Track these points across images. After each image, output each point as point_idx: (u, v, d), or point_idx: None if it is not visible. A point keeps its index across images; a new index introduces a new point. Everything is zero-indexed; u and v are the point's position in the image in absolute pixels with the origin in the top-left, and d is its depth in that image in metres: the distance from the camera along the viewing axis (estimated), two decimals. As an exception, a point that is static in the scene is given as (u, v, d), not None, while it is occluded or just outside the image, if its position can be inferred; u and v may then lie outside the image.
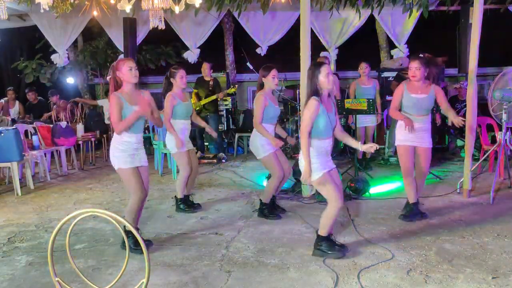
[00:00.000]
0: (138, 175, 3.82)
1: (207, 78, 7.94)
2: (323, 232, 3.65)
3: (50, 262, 2.17)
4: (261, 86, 4.59)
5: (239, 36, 9.71)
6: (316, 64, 3.59)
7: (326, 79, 3.49)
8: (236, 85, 8.36)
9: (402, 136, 4.41)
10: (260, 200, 4.76)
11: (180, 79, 4.86)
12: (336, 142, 7.41)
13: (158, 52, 10.04)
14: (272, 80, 4.51)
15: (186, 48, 9.29)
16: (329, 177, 3.55)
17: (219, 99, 8.03)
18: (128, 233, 3.55)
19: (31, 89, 9.19)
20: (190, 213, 4.96)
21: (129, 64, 3.71)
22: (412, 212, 4.49)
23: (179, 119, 4.91)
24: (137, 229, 3.93)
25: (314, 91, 3.51)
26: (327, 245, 3.65)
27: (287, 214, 4.82)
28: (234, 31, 9.72)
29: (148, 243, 3.97)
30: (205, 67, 7.91)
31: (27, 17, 9.03)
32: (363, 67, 6.86)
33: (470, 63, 5.08)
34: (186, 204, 5.07)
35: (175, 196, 5.08)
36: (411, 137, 4.35)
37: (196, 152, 7.61)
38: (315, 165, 3.52)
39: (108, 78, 3.82)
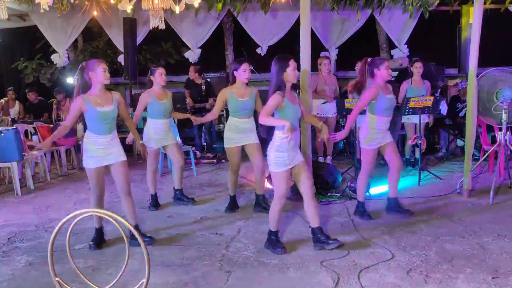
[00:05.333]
0: (101, 175, 3.90)
1: (198, 81, 7.94)
2: (271, 227, 3.83)
3: (50, 262, 2.17)
4: (233, 80, 4.62)
5: (239, 36, 9.70)
6: (283, 58, 3.64)
7: (293, 72, 3.60)
8: None
9: (376, 140, 4.49)
10: (256, 194, 4.89)
11: (159, 76, 4.91)
12: (336, 142, 7.41)
13: (158, 51, 10.03)
14: (242, 74, 4.54)
15: (186, 45, 9.30)
16: (285, 175, 3.65)
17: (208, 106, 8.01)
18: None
19: (31, 89, 9.18)
20: (190, 213, 4.98)
21: (103, 66, 3.78)
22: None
23: (153, 118, 4.96)
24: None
25: (280, 85, 3.58)
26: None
27: (287, 214, 4.82)
28: (234, 31, 9.71)
29: (151, 239, 4.08)
30: (191, 71, 7.89)
31: (27, 17, 9.03)
32: (363, 67, 6.84)
33: (470, 63, 5.08)
34: (155, 202, 5.23)
35: (173, 187, 5.31)
36: (381, 138, 4.48)
37: (195, 152, 7.66)
38: (280, 159, 3.60)
39: (76, 79, 3.88)
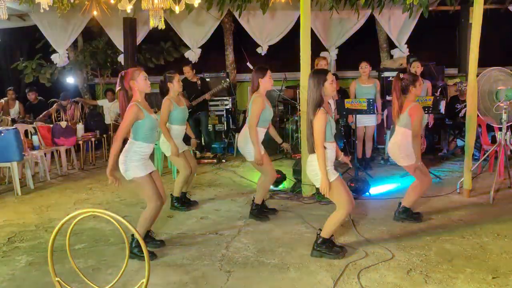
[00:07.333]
0: (154, 181, 3.78)
1: (193, 80, 7.93)
2: (325, 234, 3.66)
3: (50, 262, 2.17)
4: (257, 87, 4.49)
5: (239, 36, 9.72)
6: (321, 72, 3.55)
7: (331, 86, 3.50)
8: (228, 79, 8.24)
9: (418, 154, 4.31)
10: (253, 201, 4.76)
11: (177, 83, 4.93)
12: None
13: (157, 50, 10.03)
14: (268, 81, 4.44)
15: (185, 44, 9.30)
16: (341, 181, 3.56)
17: (208, 98, 7.94)
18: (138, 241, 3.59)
19: (31, 89, 9.19)
20: (190, 213, 5.00)
21: (144, 74, 3.71)
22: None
23: (175, 124, 4.95)
24: (149, 231, 3.98)
25: (320, 100, 3.47)
26: (327, 247, 3.66)
27: (287, 214, 4.83)
28: (234, 31, 9.72)
29: (161, 243, 4.02)
30: (187, 70, 7.87)
31: (27, 17, 9.03)
32: (364, 67, 6.84)
33: (470, 63, 5.08)
34: (181, 202, 5.14)
35: (171, 194, 5.14)
36: None
37: (195, 152, 7.65)
38: (330, 170, 3.51)
39: (118, 89, 3.76)
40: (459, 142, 7.75)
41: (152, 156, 3.97)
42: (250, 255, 3.76)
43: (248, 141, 4.46)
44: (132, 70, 3.74)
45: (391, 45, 9.23)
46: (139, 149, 3.69)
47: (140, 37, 9.00)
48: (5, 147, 5.89)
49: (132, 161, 3.66)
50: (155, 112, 7.35)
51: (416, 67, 6.54)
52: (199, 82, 7.90)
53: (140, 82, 3.69)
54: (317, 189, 5.25)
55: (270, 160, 4.73)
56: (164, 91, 4.98)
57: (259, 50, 9.06)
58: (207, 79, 8.55)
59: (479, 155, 6.77)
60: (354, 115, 6.24)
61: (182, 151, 5.01)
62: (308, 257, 3.66)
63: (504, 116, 5.12)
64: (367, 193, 5.44)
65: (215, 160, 7.73)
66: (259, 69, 4.48)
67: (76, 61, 9.91)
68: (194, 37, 9.12)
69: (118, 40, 8.98)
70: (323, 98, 3.49)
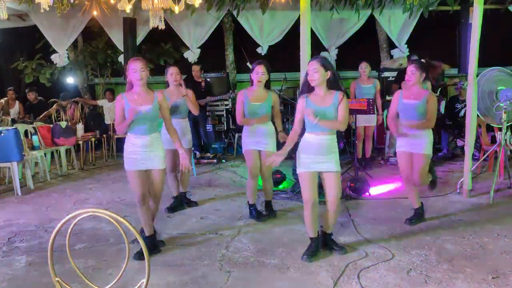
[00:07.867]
0: (140, 178, 3.73)
1: (198, 80, 7.92)
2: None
3: (50, 262, 2.17)
4: (251, 83, 4.50)
5: (239, 36, 9.71)
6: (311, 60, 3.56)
7: (309, 76, 3.49)
8: (234, 92, 8.21)
9: (399, 142, 4.39)
10: (247, 202, 4.76)
11: (170, 76, 4.94)
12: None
13: (158, 51, 10.02)
14: (255, 76, 4.42)
15: (185, 45, 9.30)
16: (309, 178, 3.56)
17: (207, 102, 7.92)
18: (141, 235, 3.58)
19: (31, 89, 9.18)
20: (190, 213, 5.00)
21: (133, 66, 3.63)
22: (418, 216, 4.47)
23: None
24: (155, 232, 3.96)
25: (305, 86, 3.56)
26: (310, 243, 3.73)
27: (287, 214, 4.83)
28: (234, 31, 9.72)
29: (161, 243, 4.01)
30: (196, 70, 7.86)
31: (27, 17, 9.02)
32: (363, 67, 6.85)
33: (470, 63, 5.08)
34: (179, 201, 5.15)
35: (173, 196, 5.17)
36: (406, 143, 4.28)
37: (195, 152, 7.65)
38: (299, 160, 3.60)
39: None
40: (459, 142, 7.76)
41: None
42: (250, 255, 3.76)
43: (242, 133, 4.58)
44: (130, 60, 3.74)
45: (391, 45, 9.22)
46: (129, 140, 3.75)
47: (140, 37, 8.98)
48: (5, 147, 5.89)
49: (126, 152, 3.76)
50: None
51: None
52: (203, 84, 7.91)
53: (130, 73, 3.66)
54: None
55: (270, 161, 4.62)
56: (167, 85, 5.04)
57: (259, 50, 9.05)
58: (207, 79, 8.54)
59: (479, 155, 6.77)
60: (354, 115, 6.24)
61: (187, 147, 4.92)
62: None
63: (504, 116, 5.12)
64: (367, 193, 5.44)
65: (215, 160, 7.73)
66: (254, 64, 4.51)
67: (76, 61, 9.89)
68: (194, 37, 9.11)
69: (118, 40, 8.96)
70: (307, 85, 3.52)
